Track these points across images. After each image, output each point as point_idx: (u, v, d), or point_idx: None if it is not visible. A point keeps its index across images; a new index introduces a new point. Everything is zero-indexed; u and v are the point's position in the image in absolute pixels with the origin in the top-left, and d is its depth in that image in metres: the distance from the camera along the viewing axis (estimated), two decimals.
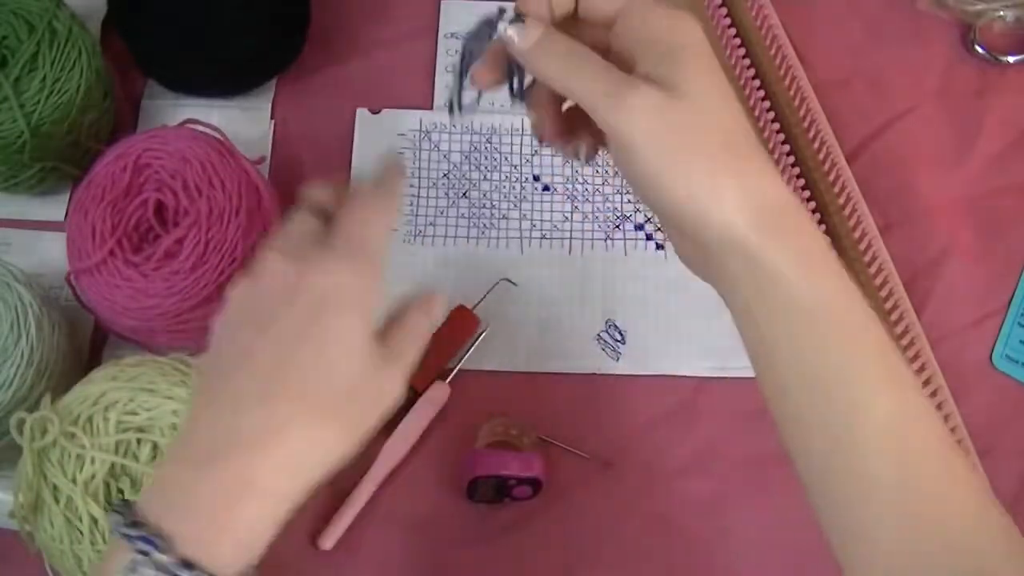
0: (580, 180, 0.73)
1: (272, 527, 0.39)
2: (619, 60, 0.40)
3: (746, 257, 0.38)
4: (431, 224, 0.71)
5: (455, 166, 0.73)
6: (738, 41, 0.73)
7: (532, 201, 0.72)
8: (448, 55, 0.76)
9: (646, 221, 0.72)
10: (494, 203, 0.72)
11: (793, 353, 0.39)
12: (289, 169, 0.72)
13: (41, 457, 0.53)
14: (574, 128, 0.45)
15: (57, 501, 0.53)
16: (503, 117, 0.74)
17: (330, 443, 0.39)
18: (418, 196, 0.72)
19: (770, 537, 0.64)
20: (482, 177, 0.73)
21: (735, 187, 0.38)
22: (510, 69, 0.44)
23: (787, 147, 0.69)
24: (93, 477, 0.53)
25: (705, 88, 0.38)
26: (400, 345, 0.42)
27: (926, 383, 0.63)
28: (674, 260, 0.72)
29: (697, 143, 0.38)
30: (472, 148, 0.73)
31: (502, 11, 0.41)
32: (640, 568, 0.64)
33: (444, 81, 0.75)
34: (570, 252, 0.71)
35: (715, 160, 0.38)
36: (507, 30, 0.41)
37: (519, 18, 0.41)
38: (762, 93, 0.71)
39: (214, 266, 0.60)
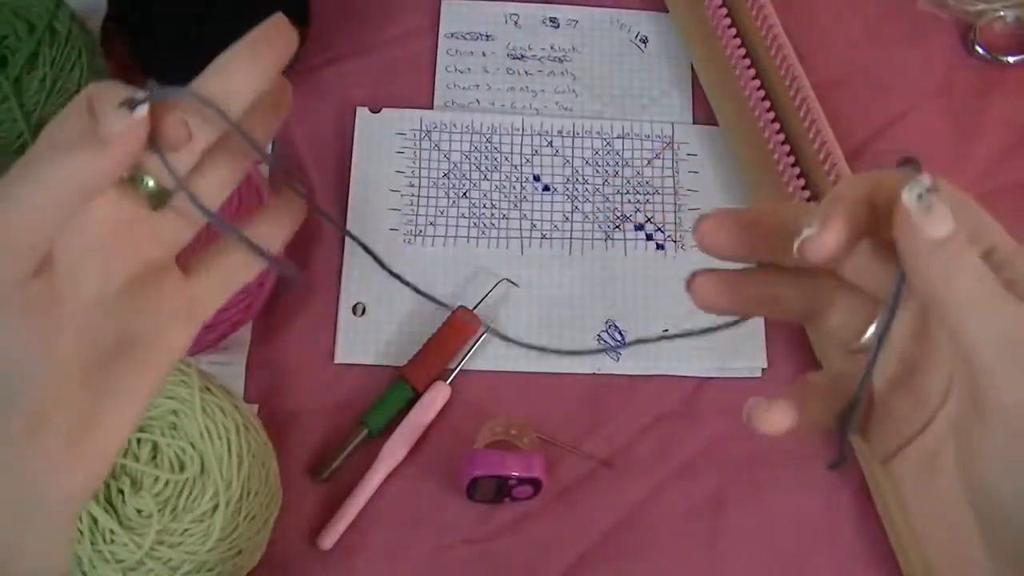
0: (580, 180, 0.73)
1: None
2: None
3: None
4: (431, 224, 0.71)
5: (455, 166, 0.73)
6: (738, 41, 0.72)
7: (532, 201, 0.72)
8: (448, 55, 0.76)
9: (646, 221, 0.72)
10: (494, 203, 0.72)
11: None
12: (289, 169, 0.72)
13: None
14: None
15: None
16: (503, 116, 0.74)
17: None
18: (418, 196, 0.72)
19: (769, 537, 0.64)
20: (482, 177, 0.73)
21: None
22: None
23: (787, 147, 0.69)
24: None
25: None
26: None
27: None
28: (674, 260, 0.72)
29: None
30: (472, 148, 0.73)
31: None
32: (640, 568, 0.64)
33: (445, 80, 0.75)
34: (570, 252, 0.71)
35: None
36: (911, 197, 0.29)
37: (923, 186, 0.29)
38: (762, 93, 0.71)
39: None
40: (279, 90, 0.34)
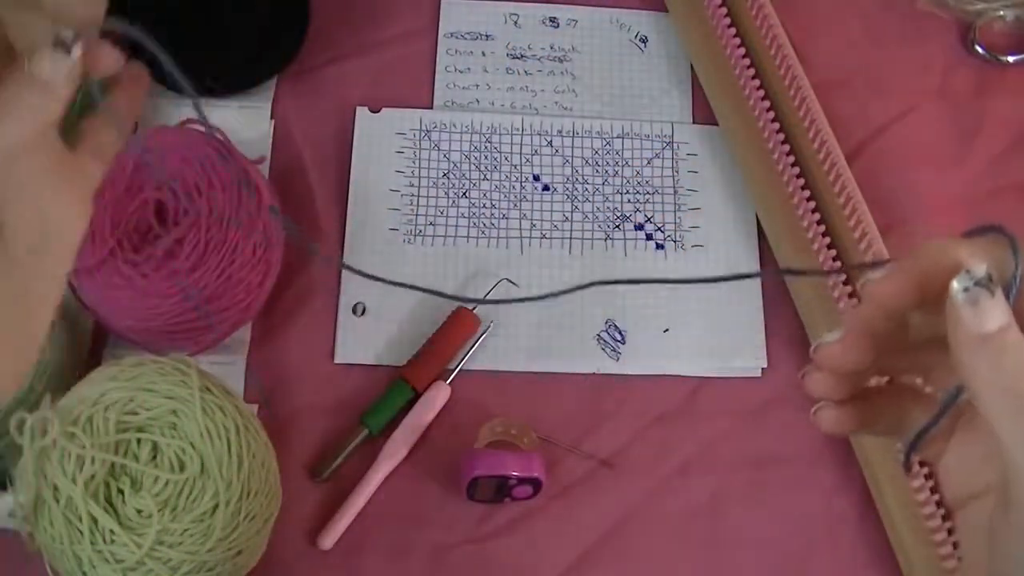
0: (580, 180, 0.73)
1: None
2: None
3: None
4: (431, 224, 0.71)
5: (455, 166, 0.73)
6: (738, 41, 0.72)
7: (532, 201, 0.72)
8: (448, 55, 0.76)
9: (646, 221, 0.72)
10: (494, 203, 0.72)
11: None
12: (289, 169, 0.72)
13: (41, 457, 0.53)
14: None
15: (57, 501, 0.53)
16: (503, 116, 0.74)
17: None
18: (418, 196, 0.72)
19: (769, 537, 0.64)
20: (482, 177, 0.73)
21: None
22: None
23: (787, 147, 0.69)
24: (93, 477, 0.53)
25: None
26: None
27: None
28: (674, 260, 0.72)
29: None
30: (472, 148, 0.73)
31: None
32: (640, 568, 0.64)
33: (445, 80, 0.75)
34: (570, 252, 0.71)
35: None
36: (958, 290, 0.28)
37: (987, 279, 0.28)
38: (762, 93, 0.71)
39: (214, 266, 0.60)
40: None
